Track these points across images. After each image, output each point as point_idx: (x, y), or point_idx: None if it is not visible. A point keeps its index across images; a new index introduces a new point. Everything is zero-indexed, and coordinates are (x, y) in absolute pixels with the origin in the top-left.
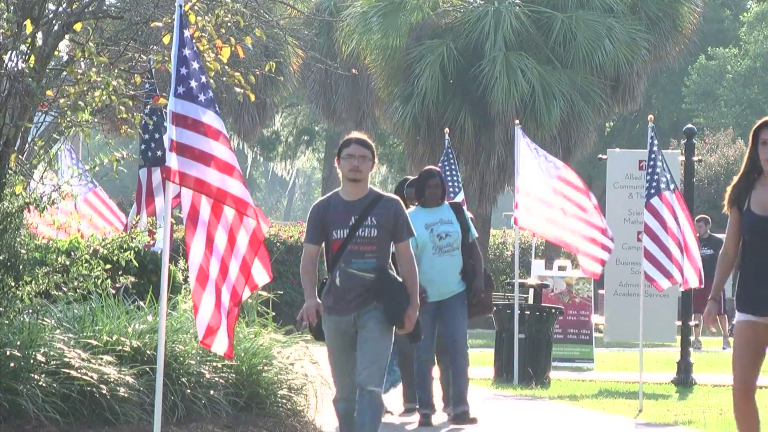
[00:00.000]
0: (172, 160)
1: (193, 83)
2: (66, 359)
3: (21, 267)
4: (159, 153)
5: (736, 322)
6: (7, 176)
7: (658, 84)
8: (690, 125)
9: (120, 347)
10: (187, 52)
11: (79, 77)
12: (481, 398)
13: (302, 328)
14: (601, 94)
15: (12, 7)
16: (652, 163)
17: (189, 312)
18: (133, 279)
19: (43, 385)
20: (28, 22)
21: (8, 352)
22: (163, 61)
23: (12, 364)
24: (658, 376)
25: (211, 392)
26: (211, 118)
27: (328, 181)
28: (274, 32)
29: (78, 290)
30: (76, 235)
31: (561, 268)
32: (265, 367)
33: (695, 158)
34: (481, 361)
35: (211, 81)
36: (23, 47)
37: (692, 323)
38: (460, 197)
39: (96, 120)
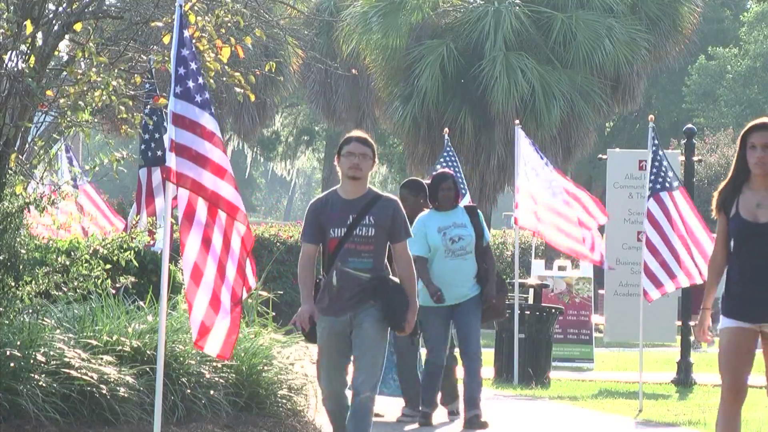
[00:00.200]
0: (172, 160)
1: (191, 84)
2: (66, 359)
3: (21, 267)
4: (159, 153)
5: (722, 327)
6: (7, 176)
7: (658, 84)
8: (690, 125)
9: (120, 347)
10: (185, 52)
11: (79, 77)
12: (481, 398)
13: (296, 330)
14: (601, 94)
15: (12, 7)
16: (657, 163)
17: None
18: (133, 279)
19: (43, 385)
20: (28, 22)
21: (8, 352)
22: (163, 61)
23: (12, 364)
24: (658, 376)
25: (211, 392)
26: (206, 120)
27: (328, 181)
28: (274, 32)
29: (78, 290)
30: (76, 234)
31: (561, 268)
32: (265, 367)
33: (695, 158)
34: None
35: (211, 81)
36: (23, 47)
37: (692, 323)
38: (466, 200)
39: (96, 120)
